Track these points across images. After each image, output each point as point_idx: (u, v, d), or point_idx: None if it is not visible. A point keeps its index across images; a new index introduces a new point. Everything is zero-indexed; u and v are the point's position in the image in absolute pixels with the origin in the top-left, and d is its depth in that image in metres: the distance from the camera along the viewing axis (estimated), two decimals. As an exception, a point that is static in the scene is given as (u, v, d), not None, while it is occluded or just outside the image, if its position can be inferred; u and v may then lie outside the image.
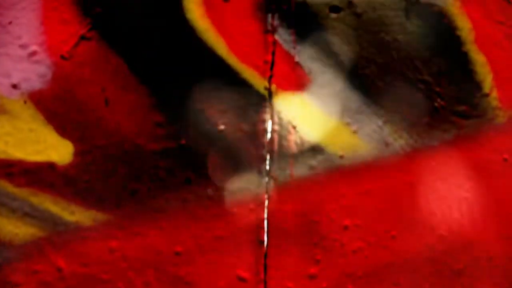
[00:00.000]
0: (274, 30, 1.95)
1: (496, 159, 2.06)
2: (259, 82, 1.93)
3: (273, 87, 1.94)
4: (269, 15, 1.95)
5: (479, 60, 2.06)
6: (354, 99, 1.98)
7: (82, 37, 1.84)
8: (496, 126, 2.07)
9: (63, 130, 1.83)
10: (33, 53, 1.80)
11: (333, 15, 1.98)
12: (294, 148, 1.95)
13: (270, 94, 1.94)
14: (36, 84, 1.80)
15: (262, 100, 1.93)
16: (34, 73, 1.80)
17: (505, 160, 2.06)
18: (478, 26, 2.07)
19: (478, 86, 2.06)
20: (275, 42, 1.95)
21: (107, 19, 1.85)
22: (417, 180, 2.02)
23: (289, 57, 1.96)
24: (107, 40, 1.85)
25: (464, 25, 2.05)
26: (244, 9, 1.94)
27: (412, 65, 2.02)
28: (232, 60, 1.92)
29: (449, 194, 2.05)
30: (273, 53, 1.94)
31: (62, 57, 1.82)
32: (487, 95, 2.07)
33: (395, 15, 2.02)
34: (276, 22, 1.95)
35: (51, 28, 1.81)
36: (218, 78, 1.91)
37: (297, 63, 1.96)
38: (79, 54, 1.83)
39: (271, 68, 1.94)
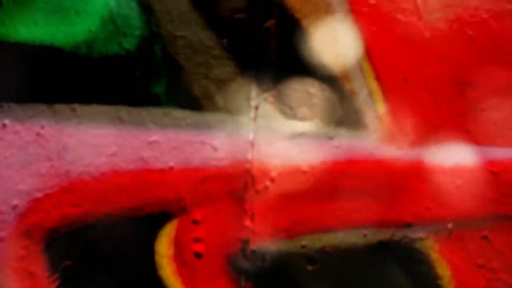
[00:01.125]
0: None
1: None
2: None
3: None
4: (243, 277, 1.81)
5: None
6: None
7: (50, 297, 1.71)
8: None
9: None
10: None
11: (310, 268, 1.84)
12: None
13: None
14: None
15: None
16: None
17: None
18: (458, 273, 1.94)
19: None
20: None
21: (76, 274, 1.72)
22: None
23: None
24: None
25: (444, 273, 1.93)
26: (217, 267, 1.79)
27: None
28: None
29: None
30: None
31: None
32: None
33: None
34: (248, 285, 1.81)
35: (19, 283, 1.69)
36: None
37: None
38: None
39: None
